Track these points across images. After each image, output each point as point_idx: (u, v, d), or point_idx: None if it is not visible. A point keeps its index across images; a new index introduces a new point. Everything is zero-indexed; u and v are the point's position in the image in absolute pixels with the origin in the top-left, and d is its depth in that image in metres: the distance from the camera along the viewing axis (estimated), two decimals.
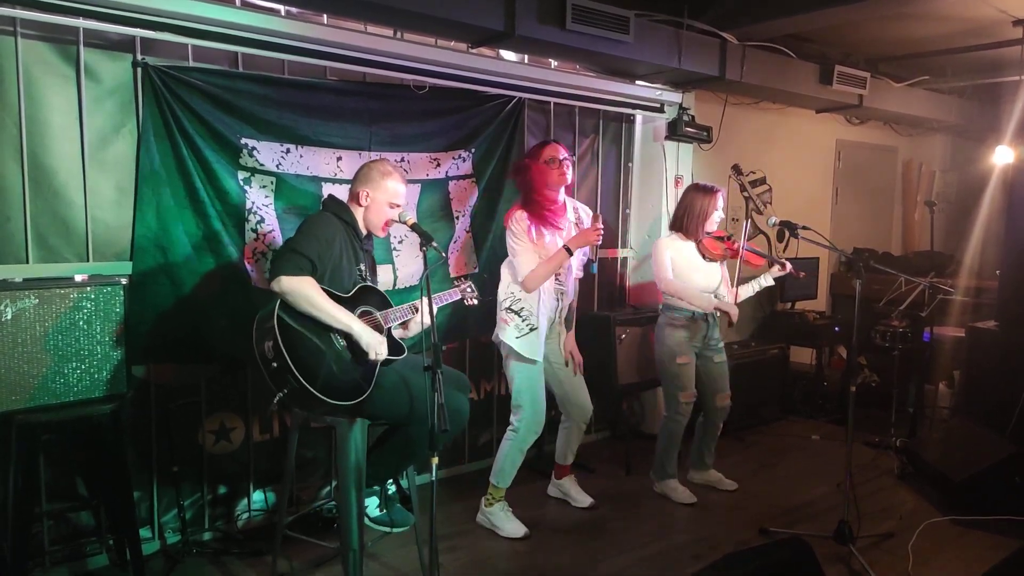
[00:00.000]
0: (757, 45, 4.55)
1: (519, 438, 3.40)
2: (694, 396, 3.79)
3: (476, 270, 3.92)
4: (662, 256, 3.71)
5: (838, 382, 5.49)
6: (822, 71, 4.97)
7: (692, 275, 3.70)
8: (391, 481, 2.94)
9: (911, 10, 4.29)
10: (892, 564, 3.15)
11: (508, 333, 3.34)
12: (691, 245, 3.75)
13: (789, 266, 3.74)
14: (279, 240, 3.24)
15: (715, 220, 3.71)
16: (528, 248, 3.26)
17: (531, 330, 3.33)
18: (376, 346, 2.58)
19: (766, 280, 3.85)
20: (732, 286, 3.80)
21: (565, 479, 3.79)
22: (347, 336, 2.57)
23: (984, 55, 5.22)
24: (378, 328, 2.67)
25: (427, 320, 2.49)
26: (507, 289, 3.36)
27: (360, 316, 2.64)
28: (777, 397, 5.23)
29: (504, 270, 3.41)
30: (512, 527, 3.40)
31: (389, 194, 2.73)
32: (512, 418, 3.44)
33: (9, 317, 2.50)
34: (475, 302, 3.03)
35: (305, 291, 2.47)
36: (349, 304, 2.61)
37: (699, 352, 3.79)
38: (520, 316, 3.33)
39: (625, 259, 4.89)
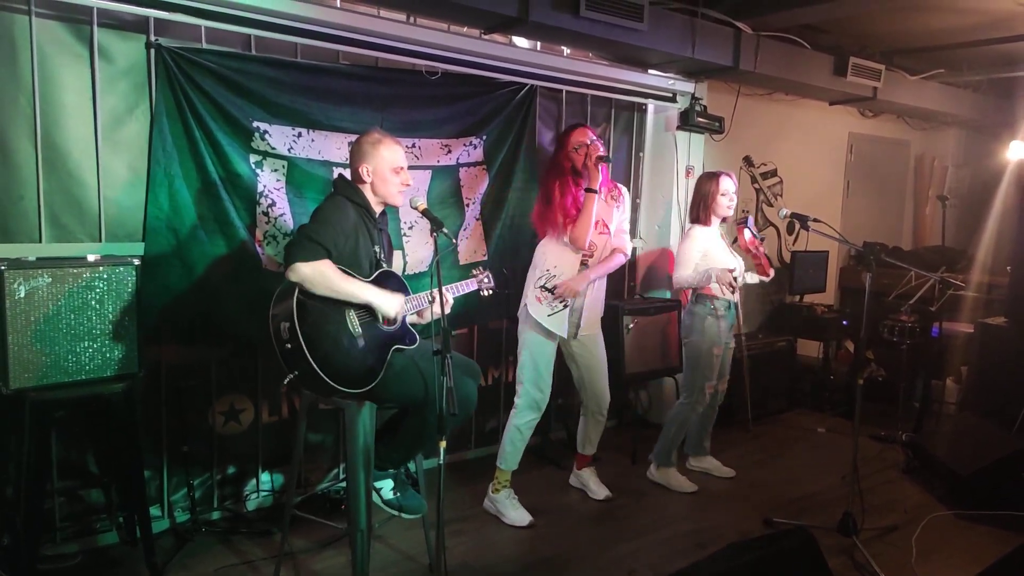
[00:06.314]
0: (772, 35, 4.51)
1: (516, 415, 3.45)
2: (715, 387, 3.84)
3: (485, 258, 3.92)
4: (691, 250, 3.70)
5: (845, 375, 5.49)
6: (837, 62, 4.93)
7: (726, 261, 3.70)
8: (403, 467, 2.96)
9: (928, 1, 4.26)
10: (895, 557, 3.16)
11: (540, 310, 3.38)
12: (716, 232, 3.76)
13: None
14: (290, 224, 3.24)
15: (725, 204, 3.71)
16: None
17: (564, 307, 3.39)
18: (397, 310, 2.61)
19: (751, 278, 3.89)
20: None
21: (584, 470, 3.79)
22: (364, 321, 2.57)
23: (1000, 49, 5.17)
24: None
25: (440, 307, 2.49)
26: (542, 268, 3.40)
27: None
28: (784, 389, 5.22)
29: (538, 250, 3.46)
30: (516, 515, 3.40)
31: (387, 160, 2.68)
32: (515, 397, 3.48)
33: (22, 295, 2.52)
34: (489, 293, 3.02)
35: (322, 274, 2.45)
36: None
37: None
38: (553, 294, 3.37)
39: (635, 249, 4.88)
